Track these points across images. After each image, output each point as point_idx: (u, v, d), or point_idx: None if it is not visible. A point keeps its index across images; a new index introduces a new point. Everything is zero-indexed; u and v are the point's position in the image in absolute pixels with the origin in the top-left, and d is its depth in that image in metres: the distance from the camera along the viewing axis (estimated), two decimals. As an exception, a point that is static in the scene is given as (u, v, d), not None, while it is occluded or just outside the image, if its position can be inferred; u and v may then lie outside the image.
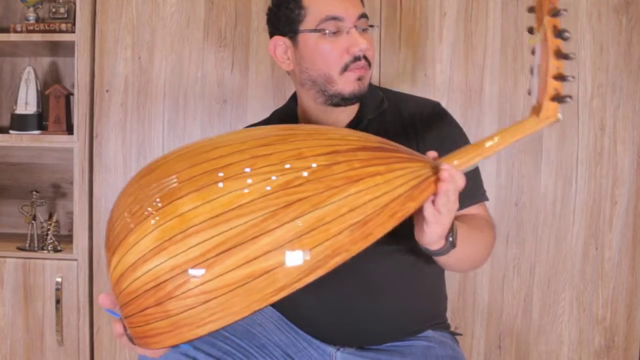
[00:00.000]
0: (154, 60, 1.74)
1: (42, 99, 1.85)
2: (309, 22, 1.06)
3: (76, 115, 1.73)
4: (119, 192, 0.80)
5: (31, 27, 1.75)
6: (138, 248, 0.73)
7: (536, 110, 0.92)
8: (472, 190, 1.11)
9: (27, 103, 1.82)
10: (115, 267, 0.76)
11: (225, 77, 1.74)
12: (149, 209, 0.75)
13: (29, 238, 1.79)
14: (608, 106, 1.69)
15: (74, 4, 1.74)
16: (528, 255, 1.71)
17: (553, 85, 0.89)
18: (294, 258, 0.73)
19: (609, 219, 1.69)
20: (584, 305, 1.71)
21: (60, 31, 1.74)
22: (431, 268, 1.11)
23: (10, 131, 1.80)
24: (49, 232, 1.78)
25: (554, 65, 0.87)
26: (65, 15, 1.81)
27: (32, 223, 1.80)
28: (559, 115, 0.89)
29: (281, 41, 1.10)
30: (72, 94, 1.78)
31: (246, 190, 0.74)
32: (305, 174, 0.76)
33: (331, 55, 1.05)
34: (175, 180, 0.76)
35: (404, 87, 1.69)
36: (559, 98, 0.88)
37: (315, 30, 1.05)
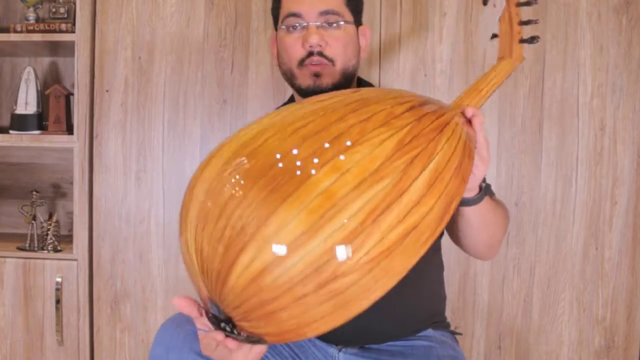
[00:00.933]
0: (154, 60, 1.74)
1: (42, 99, 1.85)
2: (280, 19, 1.13)
3: (76, 115, 1.73)
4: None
5: (31, 27, 1.75)
6: (284, 236, 0.68)
7: (505, 54, 1.04)
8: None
9: (27, 103, 1.82)
10: (249, 265, 0.69)
11: (225, 77, 1.74)
12: (281, 195, 0.70)
13: (29, 238, 1.79)
14: (608, 106, 1.69)
15: (74, 4, 1.74)
16: (528, 255, 1.71)
17: (518, 30, 1.02)
18: (432, 209, 0.76)
19: (609, 219, 1.69)
20: (584, 305, 1.71)
21: (60, 31, 1.74)
22: (431, 266, 1.12)
23: (10, 131, 1.80)
24: (49, 232, 1.78)
25: (515, 12, 1.01)
26: (65, 15, 1.81)
27: (32, 223, 1.80)
28: (524, 56, 1.03)
29: (274, 37, 1.18)
30: (72, 94, 1.78)
31: (372, 155, 0.74)
32: (406, 129, 0.79)
33: (290, 50, 1.10)
34: (294, 159, 0.73)
35: (404, 87, 1.69)
36: (526, 40, 1.00)
37: (282, 27, 1.12)
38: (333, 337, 1.12)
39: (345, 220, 0.69)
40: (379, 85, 1.67)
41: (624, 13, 1.67)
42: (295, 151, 0.73)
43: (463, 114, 0.89)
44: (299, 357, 1.11)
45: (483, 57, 1.69)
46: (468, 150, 0.85)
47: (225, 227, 0.71)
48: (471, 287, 1.72)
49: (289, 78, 1.13)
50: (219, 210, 0.72)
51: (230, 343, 0.75)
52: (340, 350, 1.11)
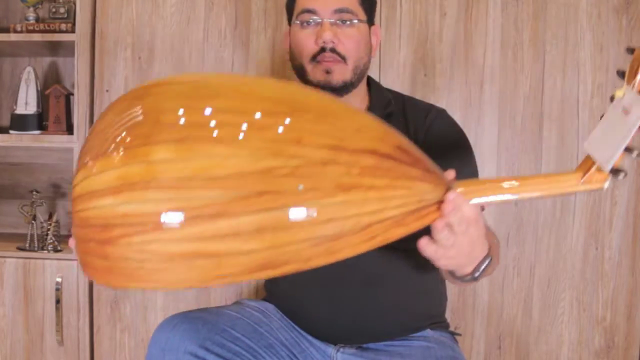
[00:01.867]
0: (154, 60, 1.74)
1: (42, 99, 1.85)
2: (295, 14, 1.14)
3: (76, 115, 1.73)
4: None
5: (31, 27, 1.75)
6: (99, 179, 0.69)
7: (583, 167, 0.78)
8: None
9: (27, 103, 1.82)
10: (77, 184, 0.73)
11: (225, 77, 1.74)
12: (123, 140, 0.69)
13: (29, 238, 1.79)
14: (608, 106, 1.68)
15: (74, 4, 1.74)
16: (528, 255, 1.71)
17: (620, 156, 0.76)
18: (248, 252, 0.66)
19: (609, 219, 1.69)
20: (584, 305, 1.71)
21: (60, 31, 1.74)
22: (428, 264, 1.12)
23: (10, 131, 1.80)
24: (49, 232, 1.78)
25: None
26: (65, 15, 1.81)
27: (32, 223, 1.80)
28: (606, 185, 0.78)
29: (287, 32, 1.18)
30: (72, 94, 1.78)
31: (226, 162, 0.66)
32: (293, 163, 0.67)
33: (302, 45, 1.11)
34: (160, 118, 0.69)
35: (404, 87, 1.69)
36: (615, 170, 0.77)
37: (296, 22, 1.13)
38: (331, 335, 1.12)
39: (147, 200, 0.66)
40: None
41: (624, 13, 1.67)
42: (167, 112, 0.70)
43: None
44: (296, 358, 1.11)
45: (483, 57, 1.69)
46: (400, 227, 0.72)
47: (90, 140, 0.75)
48: (471, 287, 1.72)
49: (300, 73, 1.14)
50: (98, 129, 0.75)
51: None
52: (338, 351, 1.11)
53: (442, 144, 1.12)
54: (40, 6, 1.84)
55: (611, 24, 1.68)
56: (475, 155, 1.17)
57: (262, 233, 0.66)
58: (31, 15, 1.80)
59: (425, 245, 0.76)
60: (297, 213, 0.66)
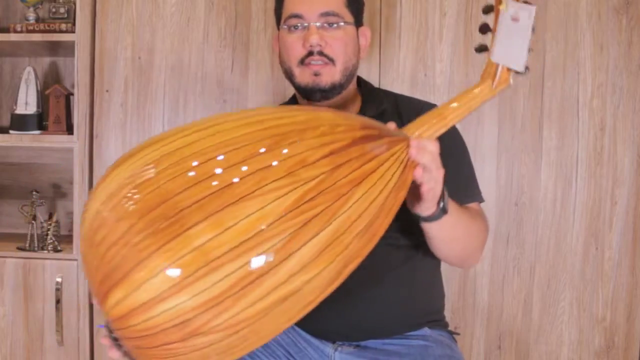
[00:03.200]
0: (154, 60, 1.74)
1: (42, 99, 1.85)
2: (282, 19, 1.15)
3: (76, 115, 1.73)
4: None
5: (31, 27, 1.75)
6: (151, 286, 0.67)
7: (489, 74, 0.93)
8: (468, 188, 1.14)
9: (27, 103, 1.82)
10: (119, 303, 0.70)
11: (225, 77, 1.74)
12: (156, 241, 0.67)
13: (29, 238, 1.79)
14: (608, 106, 1.69)
15: (74, 4, 1.74)
16: (528, 255, 1.71)
17: None
18: (319, 275, 0.72)
19: (609, 219, 1.69)
20: (584, 305, 1.71)
21: (60, 31, 1.74)
22: (425, 262, 1.12)
23: (10, 131, 1.80)
24: (49, 232, 1.77)
25: None
26: (65, 15, 1.81)
27: (32, 223, 1.80)
28: (511, 81, 0.93)
29: (277, 37, 1.19)
30: (72, 94, 1.78)
31: (262, 212, 0.69)
32: (313, 183, 0.72)
33: (290, 49, 1.12)
34: (178, 204, 0.69)
35: (404, 87, 1.69)
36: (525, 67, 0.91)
37: (284, 26, 1.14)
38: (329, 333, 1.12)
39: (215, 283, 0.67)
40: (379, 85, 1.67)
41: (624, 13, 1.67)
42: (181, 196, 0.69)
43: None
44: (293, 358, 1.11)
45: (483, 57, 1.69)
46: (402, 190, 0.82)
47: (104, 257, 0.71)
48: (471, 287, 1.72)
49: (289, 76, 1.15)
50: (100, 238, 0.72)
51: (113, 352, 0.79)
52: (336, 350, 1.11)
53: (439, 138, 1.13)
54: (40, 6, 1.84)
55: (611, 24, 1.67)
56: (475, 155, 1.17)
57: (321, 255, 0.72)
58: (31, 15, 1.80)
59: (414, 204, 0.89)
60: (337, 224, 0.73)
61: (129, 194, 0.72)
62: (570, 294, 1.71)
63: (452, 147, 1.12)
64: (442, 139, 1.12)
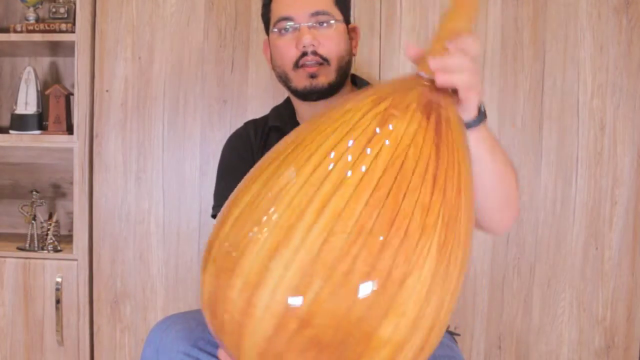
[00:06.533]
0: (154, 60, 1.74)
1: (42, 99, 1.85)
2: (272, 23, 1.15)
3: (76, 115, 1.73)
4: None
5: (31, 27, 1.75)
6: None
7: None
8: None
9: (27, 103, 1.82)
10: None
11: (225, 77, 1.74)
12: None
13: (29, 238, 1.79)
14: (608, 106, 1.69)
15: (74, 4, 1.74)
16: (528, 255, 1.71)
17: None
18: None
19: (609, 219, 1.69)
20: (584, 305, 1.71)
21: (60, 31, 1.74)
22: None
23: (10, 131, 1.80)
24: (49, 232, 1.78)
25: None
26: (65, 15, 1.81)
27: (32, 223, 1.80)
28: None
29: (267, 42, 1.20)
30: (72, 94, 1.78)
31: (421, 280, 0.67)
32: (440, 225, 0.69)
33: (283, 52, 1.12)
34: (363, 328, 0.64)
35: (404, 87, 1.69)
36: None
37: (274, 30, 1.13)
38: None
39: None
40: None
41: (624, 13, 1.67)
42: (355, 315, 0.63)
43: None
44: None
45: (483, 56, 1.69)
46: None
47: None
48: (471, 287, 1.72)
49: (284, 81, 1.15)
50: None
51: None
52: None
53: None
54: (40, 6, 1.84)
55: (611, 24, 1.67)
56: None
57: (461, 273, 0.78)
58: (31, 15, 1.80)
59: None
60: (466, 229, 0.75)
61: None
62: (570, 294, 1.71)
63: None
64: None
